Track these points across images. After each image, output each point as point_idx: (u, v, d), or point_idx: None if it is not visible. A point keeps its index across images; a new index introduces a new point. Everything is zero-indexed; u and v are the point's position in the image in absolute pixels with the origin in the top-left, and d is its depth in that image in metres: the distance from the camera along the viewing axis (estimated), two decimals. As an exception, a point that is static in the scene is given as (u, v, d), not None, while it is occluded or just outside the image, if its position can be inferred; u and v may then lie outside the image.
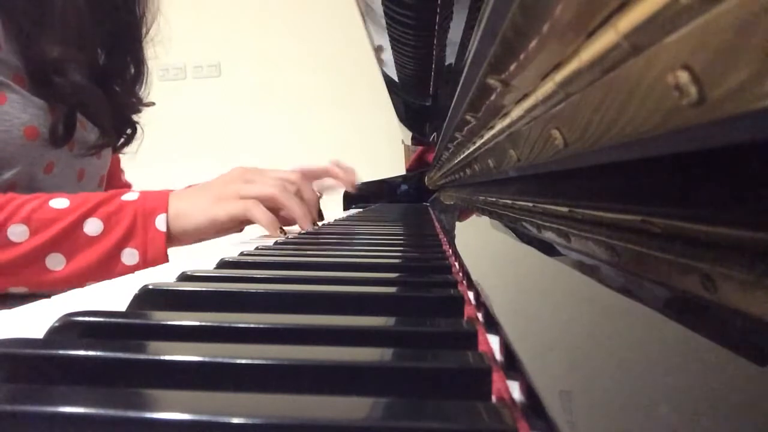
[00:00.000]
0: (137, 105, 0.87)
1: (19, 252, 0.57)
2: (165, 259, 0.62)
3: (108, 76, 0.81)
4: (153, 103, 0.90)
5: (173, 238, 0.63)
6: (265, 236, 0.67)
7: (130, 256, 0.60)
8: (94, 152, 0.77)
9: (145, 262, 0.60)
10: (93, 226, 0.59)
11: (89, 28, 0.73)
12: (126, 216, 0.61)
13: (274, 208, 0.67)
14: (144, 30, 0.84)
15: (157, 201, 0.63)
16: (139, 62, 0.85)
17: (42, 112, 0.67)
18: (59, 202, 0.60)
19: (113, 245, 0.60)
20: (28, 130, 0.66)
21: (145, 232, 0.61)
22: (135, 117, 0.88)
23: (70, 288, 0.57)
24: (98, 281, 0.57)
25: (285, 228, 0.69)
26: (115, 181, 0.97)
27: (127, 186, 1.02)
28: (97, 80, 0.78)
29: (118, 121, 0.84)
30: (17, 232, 0.57)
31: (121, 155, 0.97)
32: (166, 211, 0.62)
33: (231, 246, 0.60)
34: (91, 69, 0.76)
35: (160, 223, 0.61)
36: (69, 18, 0.69)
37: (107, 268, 0.60)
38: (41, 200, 0.59)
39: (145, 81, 0.87)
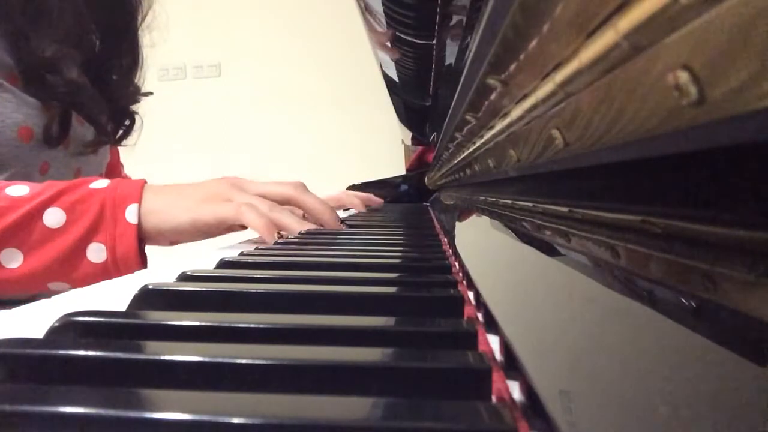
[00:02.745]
0: (135, 95, 0.85)
1: None
2: (136, 257, 0.53)
3: (104, 65, 0.79)
4: (151, 93, 0.88)
5: (145, 236, 0.55)
6: (256, 240, 0.62)
7: (96, 252, 0.52)
8: (91, 150, 0.74)
9: (114, 260, 0.53)
10: (54, 217, 0.51)
11: (85, 20, 0.72)
12: (92, 206, 0.52)
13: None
14: (140, 17, 0.83)
15: (130, 190, 0.54)
16: (135, 50, 0.83)
17: (36, 111, 0.65)
18: (17, 189, 0.52)
19: (77, 239, 0.52)
20: (22, 131, 0.64)
21: (114, 224, 0.52)
22: (134, 107, 0.86)
23: (29, 290, 0.53)
24: (61, 281, 0.52)
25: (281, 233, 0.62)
26: (115, 175, 0.96)
27: None
28: (93, 70, 0.76)
29: (116, 113, 0.82)
30: None
31: (120, 151, 0.96)
32: (139, 202, 0.53)
33: (231, 247, 0.60)
34: (87, 61, 0.74)
35: (131, 214, 0.53)
36: (65, 14, 0.67)
37: (70, 265, 0.52)
38: None
39: (141, 68, 0.84)
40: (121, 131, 0.86)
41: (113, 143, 0.86)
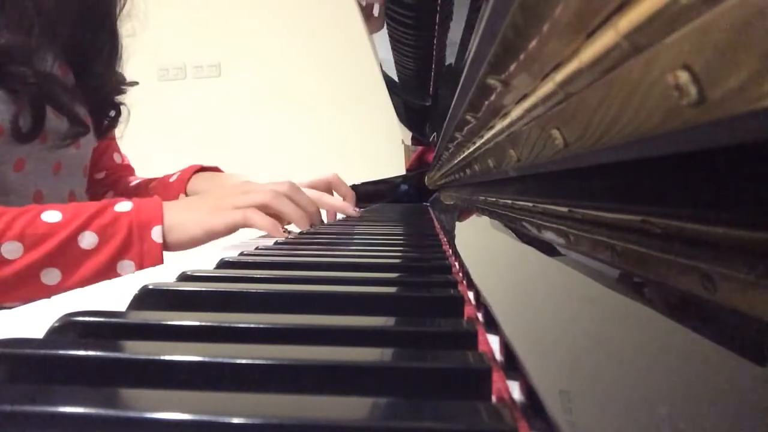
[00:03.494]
0: (119, 85, 0.84)
1: (14, 269, 0.56)
2: None
3: (82, 54, 0.78)
4: (136, 83, 0.87)
5: (168, 247, 0.63)
6: (264, 236, 0.66)
7: (127, 267, 0.60)
8: (69, 143, 0.73)
9: None
10: (88, 240, 0.59)
11: (56, 12, 0.70)
12: (121, 228, 0.60)
13: (273, 215, 0.67)
14: (118, 6, 0.82)
15: (152, 212, 0.62)
16: (115, 38, 0.82)
17: (5, 105, 0.64)
18: (51, 215, 0.59)
19: (110, 258, 0.59)
20: None
21: (141, 243, 0.60)
22: (119, 98, 0.85)
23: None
24: None
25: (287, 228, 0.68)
26: (109, 163, 0.95)
27: (124, 168, 0.99)
28: (71, 61, 0.75)
29: (99, 104, 0.81)
30: (11, 250, 0.56)
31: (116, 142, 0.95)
32: (162, 223, 0.61)
33: (231, 247, 0.60)
34: (64, 50, 0.73)
35: (156, 234, 0.61)
36: (21, 3, 0.65)
37: (104, 280, 0.59)
38: (32, 214, 0.58)
39: (120, 57, 0.84)
40: (106, 122, 0.84)
41: (98, 135, 0.84)
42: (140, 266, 0.60)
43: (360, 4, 0.86)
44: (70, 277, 0.58)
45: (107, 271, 0.59)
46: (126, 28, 0.84)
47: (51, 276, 0.58)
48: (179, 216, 0.63)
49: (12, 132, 0.64)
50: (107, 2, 0.81)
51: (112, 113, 0.85)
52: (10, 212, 0.58)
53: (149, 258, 0.60)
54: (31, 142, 0.67)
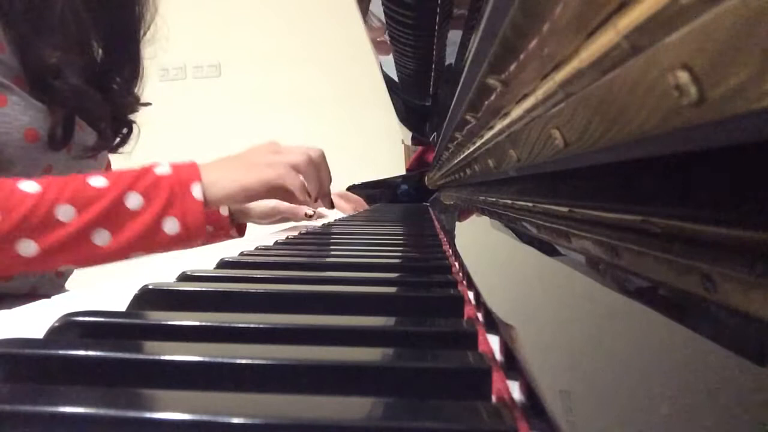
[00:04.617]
0: (135, 105, 0.88)
1: (68, 231, 0.59)
2: (203, 226, 0.65)
3: (105, 74, 0.82)
4: (149, 104, 0.91)
5: (207, 204, 0.66)
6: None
7: (171, 224, 0.63)
8: (92, 155, 0.78)
9: (186, 230, 0.64)
10: (134, 201, 0.62)
11: (87, 30, 0.74)
12: (164, 188, 0.63)
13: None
14: (142, 30, 0.85)
15: (190, 172, 0.66)
16: (137, 61, 0.86)
17: (42, 114, 0.69)
18: (97, 181, 0.62)
19: (155, 216, 0.62)
20: (28, 133, 0.67)
21: (183, 201, 0.64)
22: (132, 116, 0.89)
23: (112, 261, 0.63)
24: (143, 253, 0.64)
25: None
26: None
27: None
28: (94, 80, 0.79)
29: (115, 121, 0.85)
30: (65, 212, 0.60)
31: (115, 155, 0.97)
32: (201, 180, 0.65)
33: (231, 246, 0.60)
34: (90, 69, 0.77)
35: (197, 191, 0.64)
36: (67, 23, 0.70)
37: (151, 239, 0.63)
38: (80, 179, 0.62)
39: (141, 79, 0.88)
40: (118, 139, 0.88)
41: (111, 150, 0.89)
42: (184, 223, 0.63)
43: (370, 33, 0.88)
44: (119, 236, 0.62)
45: (153, 230, 0.62)
46: (148, 51, 0.88)
47: (102, 237, 0.61)
48: (216, 174, 0.67)
49: (48, 140, 0.69)
50: (133, 26, 0.85)
51: (125, 130, 0.89)
52: (59, 180, 0.61)
53: (191, 215, 0.64)
54: (60, 150, 0.72)
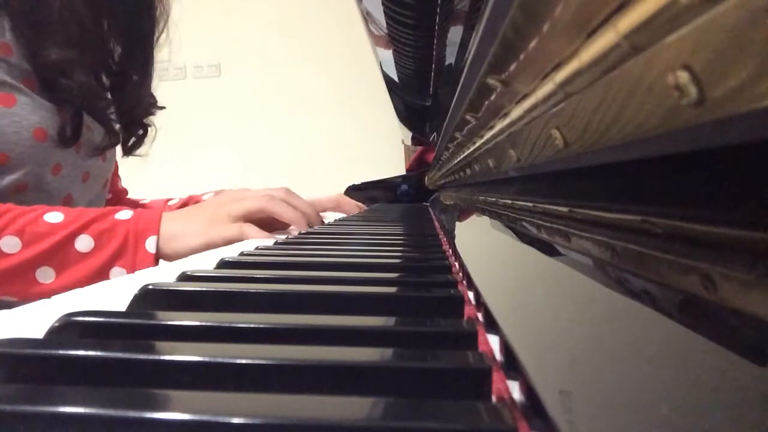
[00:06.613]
0: (150, 107, 0.89)
1: (10, 263, 0.58)
2: None
3: (120, 75, 0.83)
4: (164, 107, 0.92)
5: (165, 258, 0.64)
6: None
7: (118, 274, 0.61)
8: (100, 153, 0.79)
9: None
10: (84, 243, 0.61)
11: (92, 28, 0.74)
12: (117, 235, 0.62)
13: (270, 219, 0.69)
14: (157, 32, 0.87)
15: (149, 222, 0.64)
16: (149, 62, 0.88)
17: (50, 114, 0.69)
18: (54, 216, 0.61)
19: (102, 263, 0.61)
20: (37, 132, 0.68)
21: (135, 252, 0.62)
22: (147, 119, 0.90)
23: None
24: None
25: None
26: (111, 186, 0.99)
27: (123, 192, 1.04)
28: (110, 78, 0.81)
29: (129, 122, 0.86)
30: (10, 244, 0.59)
31: (120, 160, 0.98)
32: (157, 233, 0.63)
33: (231, 246, 0.60)
34: (103, 68, 0.78)
35: (150, 244, 0.62)
36: (67, 21, 0.70)
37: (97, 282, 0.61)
38: (37, 213, 0.61)
39: (150, 83, 0.89)
40: (133, 140, 0.89)
41: (125, 152, 0.90)
42: (131, 273, 0.61)
43: (370, 32, 0.88)
44: (63, 277, 0.60)
45: (99, 276, 0.60)
46: (161, 54, 0.89)
47: (45, 274, 0.60)
48: (177, 227, 0.65)
49: (57, 138, 0.70)
50: (148, 28, 0.86)
51: (140, 132, 0.89)
52: (16, 209, 0.60)
53: (141, 265, 0.61)
54: (68, 149, 0.72)
